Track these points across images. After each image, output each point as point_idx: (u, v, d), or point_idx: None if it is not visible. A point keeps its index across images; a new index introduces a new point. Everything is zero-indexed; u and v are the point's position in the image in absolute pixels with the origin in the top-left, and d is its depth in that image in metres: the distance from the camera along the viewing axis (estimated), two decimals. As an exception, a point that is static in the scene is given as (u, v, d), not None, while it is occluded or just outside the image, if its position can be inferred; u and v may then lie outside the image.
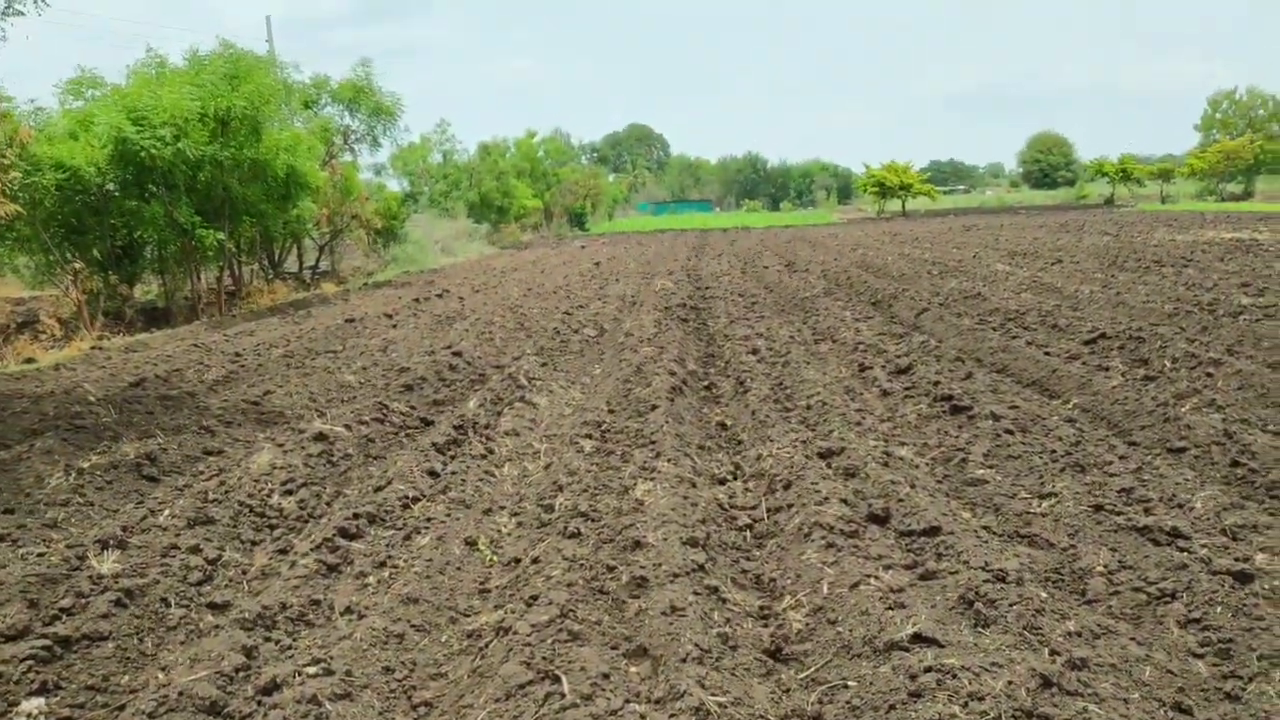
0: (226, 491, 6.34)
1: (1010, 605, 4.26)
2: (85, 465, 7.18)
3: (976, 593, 4.39)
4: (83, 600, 4.80)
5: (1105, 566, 4.81)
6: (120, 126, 15.34)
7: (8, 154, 14.06)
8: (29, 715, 3.92)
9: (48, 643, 4.33)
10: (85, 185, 15.67)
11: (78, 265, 15.74)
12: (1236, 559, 4.72)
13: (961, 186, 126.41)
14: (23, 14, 9.68)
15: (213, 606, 4.98)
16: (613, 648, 4.21)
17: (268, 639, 4.44)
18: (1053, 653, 3.90)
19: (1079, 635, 4.08)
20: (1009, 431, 7.19)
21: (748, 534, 5.79)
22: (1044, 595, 4.45)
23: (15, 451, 7.62)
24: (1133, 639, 4.12)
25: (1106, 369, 9.27)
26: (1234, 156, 58.63)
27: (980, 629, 4.16)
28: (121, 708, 4.12)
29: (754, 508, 6.16)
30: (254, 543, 5.80)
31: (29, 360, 13.09)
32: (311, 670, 4.05)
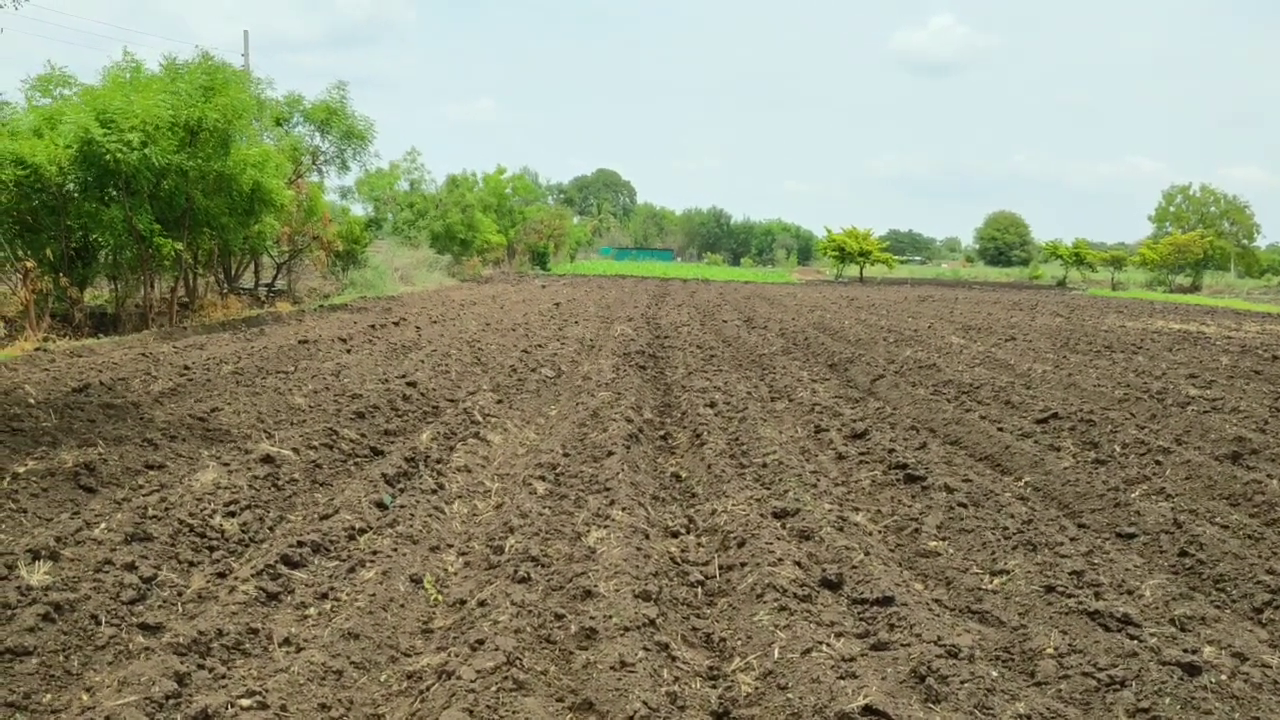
0: (167, 508, 6.15)
1: (962, 682, 4.23)
2: (20, 470, 6.94)
3: (928, 667, 4.36)
4: (8, 612, 4.61)
5: (1056, 649, 4.80)
6: (88, 127, 15.08)
7: (-33, 145, 13.80)
8: (-60, 731, 3.73)
9: (-33, 655, 4.13)
10: (45, 183, 15.38)
11: (29, 264, 15.38)
12: (1185, 650, 4.73)
13: (918, 257, 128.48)
14: (1, 5, 9.51)
15: (145, 628, 4.80)
16: (558, 700, 4.12)
17: (201, 666, 4.28)
18: (1003, 734, 3.86)
19: (1028, 718, 4.05)
20: (962, 505, 7.20)
21: (699, 590, 5.72)
22: (995, 674, 4.42)
23: (-53, 450, 7.36)
24: (1081, 725, 4.10)
25: (1058, 449, 9.36)
26: (1184, 250, 60.20)
27: (931, 704, 4.12)
28: (41, 729, 3.94)
29: (706, 564, 6.09)
30: (192, 564, 5.62)
31: (-32, 357, 12.71)
32: (246, 702, 3.90)
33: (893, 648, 4.71)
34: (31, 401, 9.45)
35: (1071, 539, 6.55)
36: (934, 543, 6.56)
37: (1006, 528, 6.67)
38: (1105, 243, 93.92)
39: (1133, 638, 4.93)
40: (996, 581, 5.82)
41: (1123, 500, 7.45)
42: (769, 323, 23.50)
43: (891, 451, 8.84)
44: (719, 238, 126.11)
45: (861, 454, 9.04)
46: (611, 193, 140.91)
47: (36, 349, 13.67)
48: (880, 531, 6.94)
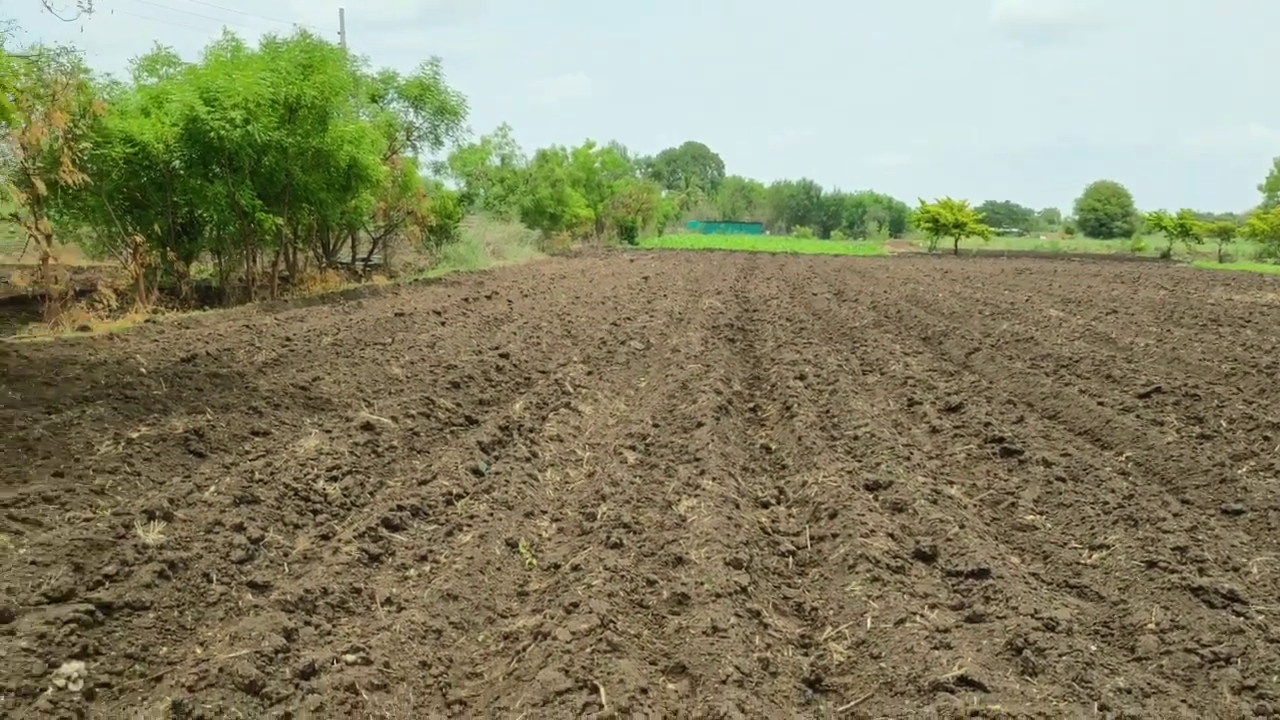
0: (272, 473, 6.38)
1: (1060, 655, 4.17)
2: (134, 435, 7.26)
3: (1025, 640, 4.30)
4: (127, 568, 4.84)
5: (1157, 624, 4.69)
6: (193, 105, 15.57)
7: (80, 125, 14.34)
8: (69, 678, 3.94)
9: (90, 608, 4.35)
10: (153, 161, 15.92)
11: (138, 239, 15.95)
12: (1295, 629, 4.58)
13: (1015, 229, 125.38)
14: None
15: (253, 586, 5.00)
16: (651, 663, 4.17)
17: (307, 623, 4.44)
18: (1102, 708, 3.81)
19: (1129, 692, 3.98)
20: (1060, 479, 7.06)
21: (790, 560, 5.72)
22: (1094, 648, 4.34)
23: (67, 416, 7.72)
24: (1184, 701, 4.01)
25: (1161, 424, 9.10)
26: (1298, 220, 57.52)
27: (1028, 677, 4.07)
28: (159, 679, 4.14)
29: (797, 534, 6.09)
30: (297, 526, 5.83)
31: (84, 328, 13.29)
32: (350, 658, 4.04)
33: (988, 620, 4.66)
34: (143, 371, 9.85)
35: (1174, 514, 6.37)
36: (1031, 516, 6.45)
37: (1106, 502, 6.52)
38: (1212, 213, 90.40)
39: (1239, 615, 4.79)
40: (1096, 556, 5.71)
41: (1229, 476, 7.22)
42: (860, 296, 23.22)
43: (987, 425, 8.69)
44: (808, 210, 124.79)
45: (956, 427, 8.91)
46: (699, 166, 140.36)
47: (146, 320, 14.22)
48: (975, 505, 6.84)
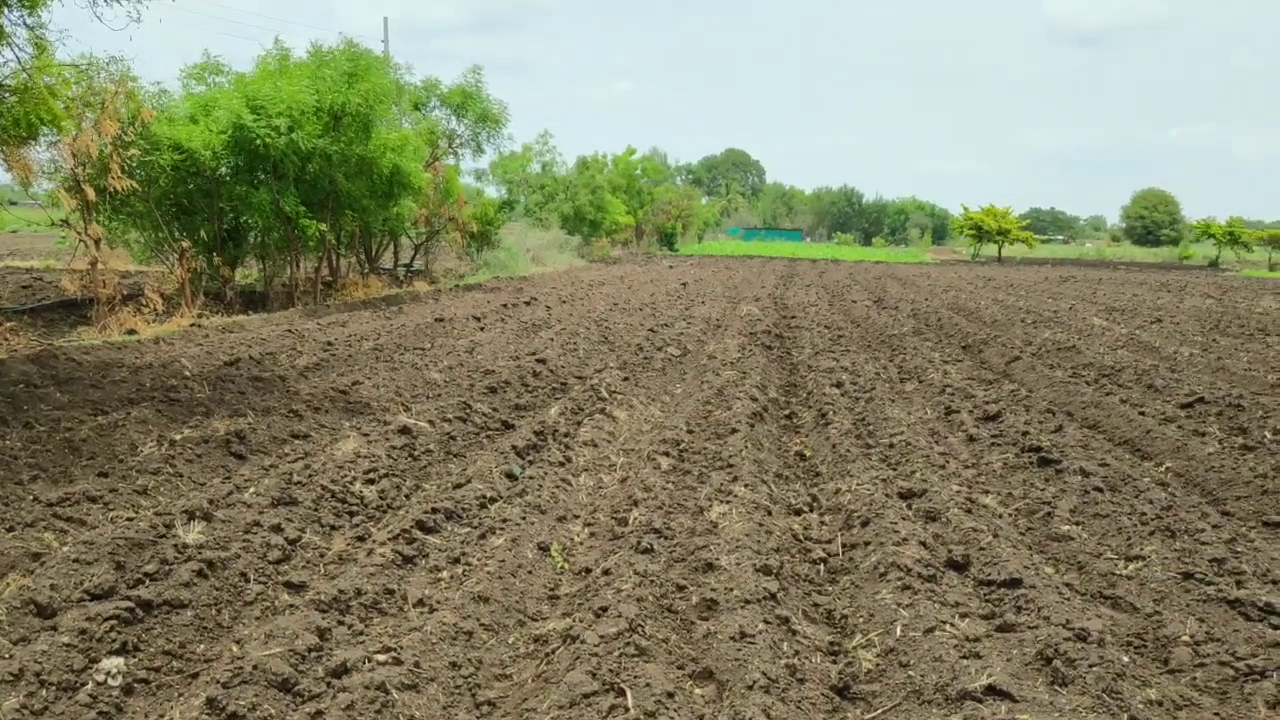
0: (310, 475, 6.48)
1: (1090, 666, 4.14)
2: (177, 437, 7.40)
3: (1056, 650, 4.28)
4: (166, 567, 4.94)
5: (1192, 636, 4.64)
6: (239, 114, 15.81)
7: (129, 132, 14.62)
8: (108, 673, 4.03)
9: (131, 605, 4.46)
10: (199, 168, 16.16)
11: (185, 244, 16.21)
12: (1334, 643, 4.51)
13: (1060, 237, 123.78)
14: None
15: (289, 586, 5.09)
16: (679, 667, 4.19)
17: (341, 623, 4.52)
18: (1132, 719, 3.77)
19: (1160, 704, 3.95)
20: (1098, 489, 6.99)
21: (821, 568, 5.72)
22: (1126, 659, 4.31)
23: (112, 418, 7.89)
24: (1217, 714, 3.97)
25: (1203, 434, 8.97)
26: (1352, 228, 56.32)
27: (1058, 687, 4.05)
28: (195, 675, 4.23)
29: (829, 542, 6.09)
30: (334, 527, 5.92)
31: (131, 332, 13.53)
32: (381, 658, 4.10)
33: (1019, 629, 4.63)
34: (187, 374, 10.02)
35: (1214, 526, 6.30)
36: (1067, 527, 6.40)
37: (1144, 513, 6.45)
38: (1263, 221, 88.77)
39: (1276, 628, 4.73)
40: (1131, 567, 5.65)
41: (1271, 488, 7.11)
42: (900, 303, 23.09)
43: (1025, 434, 8.62)
44: (850, 217, 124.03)
45: (994, 436, 8.85)
46: (740, 173, 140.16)
47: (192, 325, 14.46)
48: (1010, 514, 6.80)
